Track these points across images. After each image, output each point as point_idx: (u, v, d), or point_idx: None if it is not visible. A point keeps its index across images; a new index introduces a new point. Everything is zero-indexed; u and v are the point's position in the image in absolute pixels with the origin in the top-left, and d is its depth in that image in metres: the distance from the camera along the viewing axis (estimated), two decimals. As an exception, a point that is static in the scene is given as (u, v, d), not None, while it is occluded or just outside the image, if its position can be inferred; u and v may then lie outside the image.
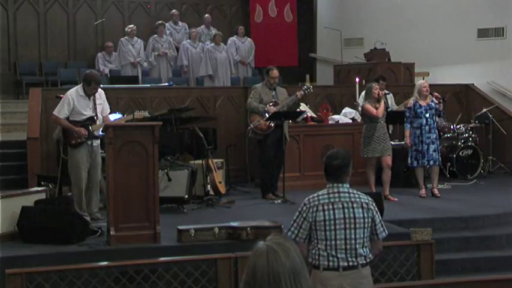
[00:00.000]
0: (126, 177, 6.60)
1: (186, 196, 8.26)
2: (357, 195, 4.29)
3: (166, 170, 8.30)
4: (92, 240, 6.74)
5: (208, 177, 8.90)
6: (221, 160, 9.63)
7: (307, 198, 4.30)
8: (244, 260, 5.32)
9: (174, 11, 14.32)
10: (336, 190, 4.25)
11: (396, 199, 8.87)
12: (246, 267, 2.32)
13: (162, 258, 6.07)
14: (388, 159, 8.89)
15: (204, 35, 14.06)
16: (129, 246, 6.50)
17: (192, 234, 6.57)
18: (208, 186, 8.90)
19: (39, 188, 7.69)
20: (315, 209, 4.20)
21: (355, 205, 4.22)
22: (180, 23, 14.20)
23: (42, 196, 7.30)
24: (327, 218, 4.18)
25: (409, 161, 9.16)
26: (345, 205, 4.21)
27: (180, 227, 6.67)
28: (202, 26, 14.27)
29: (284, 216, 7.59)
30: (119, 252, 6.39)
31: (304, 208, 4.25)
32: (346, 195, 4.25)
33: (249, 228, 6.61)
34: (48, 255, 6.31)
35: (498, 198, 9.06)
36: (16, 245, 6.63)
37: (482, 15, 13.04)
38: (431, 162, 9.06)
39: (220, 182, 9.03)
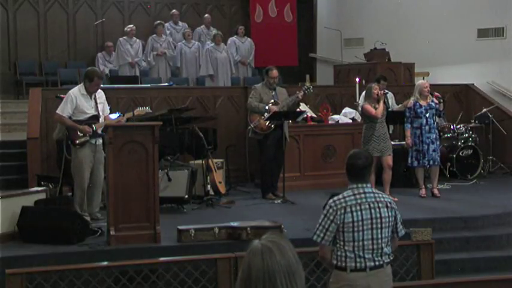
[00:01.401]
0: (126, 177, 6.60)
1: (186, 196, 8.26)
2: (380, 195, 4.31)
3: (166, 170, 8.30)
4: (92, 240, 6.75)
5: (208, 177, 8.89)
6: (221, 160, 9.63)
7: (332, 200, 4.26)
8: (244, 260, 5.32)
9: (174, 11, 14.31)
10: (361, 191, 4.25)
11: (396, 199, 8.82)
12: (241, 266, 2.32)
13: (162, 258, 6.07)
14: (388, 159, 8.88)
15: (204, 35, 14.05)
16: (129, 246, 6.51)
17: (192, 234, 6.57)
18: (208, 186, 8.89)
19: (39, 188, 7.69)
20: (342, 211, 4.17)
21: (380, 205, 4.23)
22: (180, 23, 14.19)
23: (42, 196, 7.31)
24: (355, 219, 4.17)
25: (410, 161, 9.17)
26: (371, 205, 4.21)
27: (180, 227, 6.67)
28: (202, 26, 14.25)
29: (284, 216, 7.61)
30: (119, 252, 6.39)
31: (331, 211, 4.20)
32: (372, 195, 4.25)
33: (249, 228, 6.62)
34: (48, 255, 6.32)
35: (498, 198, 9.05)
36: (16, 245, 6.64)
37: (482, 15, 13.04)
38: (432, 162, 9.07)
39: (220, 182, 9.03)
